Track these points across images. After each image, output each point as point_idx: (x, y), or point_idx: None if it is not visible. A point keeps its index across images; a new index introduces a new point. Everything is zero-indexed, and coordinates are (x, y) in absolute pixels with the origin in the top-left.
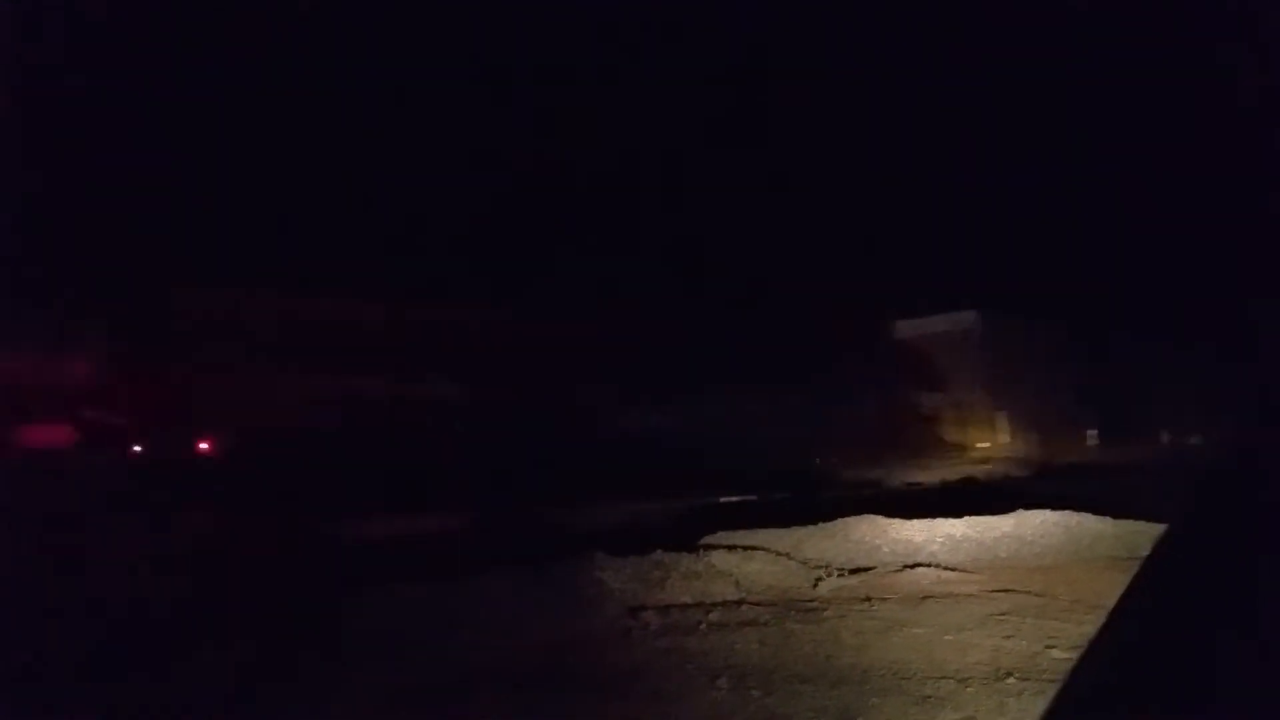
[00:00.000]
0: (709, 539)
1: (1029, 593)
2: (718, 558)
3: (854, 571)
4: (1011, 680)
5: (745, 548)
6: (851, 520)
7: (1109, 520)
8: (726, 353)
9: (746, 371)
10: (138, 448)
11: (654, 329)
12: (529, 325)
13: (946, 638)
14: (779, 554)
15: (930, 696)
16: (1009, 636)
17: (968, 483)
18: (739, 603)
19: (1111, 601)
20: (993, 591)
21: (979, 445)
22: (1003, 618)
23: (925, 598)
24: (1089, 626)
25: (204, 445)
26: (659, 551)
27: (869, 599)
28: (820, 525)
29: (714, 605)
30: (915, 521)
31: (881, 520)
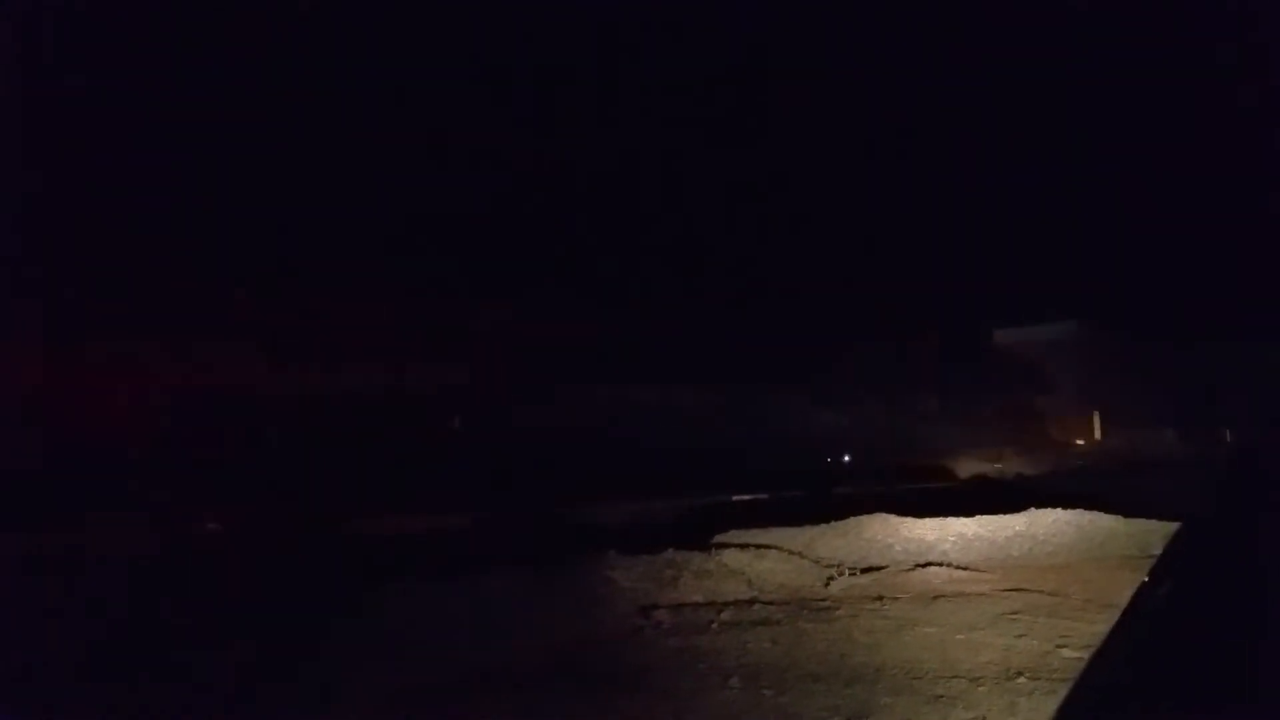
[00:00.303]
0: (721, 537)
1: (1041, 592)
2: (730, 556)
3: (866, 570)
4: (1023, 679)
5: (757, 546)
6: (864, 519)
7: (1121, 519)
8: (862, 363)
9: (882, 377)
10: None
11: (790, 339)
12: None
13: (958, 637)
14: (791, 553)
15: (942, 695)
16: (1021, 636)
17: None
18: (751, 601)
19: (1124, 600)
20: (1004, 590)
21: (1078, 441)
22: (1014, 617)
23: (937, 597)
24: (1101, 625)
25: None
26: (670, 550)
27: (881, 598)
28: (832, 524)
29: (726, 604)
30: (927, 520)
31: (894, 519)
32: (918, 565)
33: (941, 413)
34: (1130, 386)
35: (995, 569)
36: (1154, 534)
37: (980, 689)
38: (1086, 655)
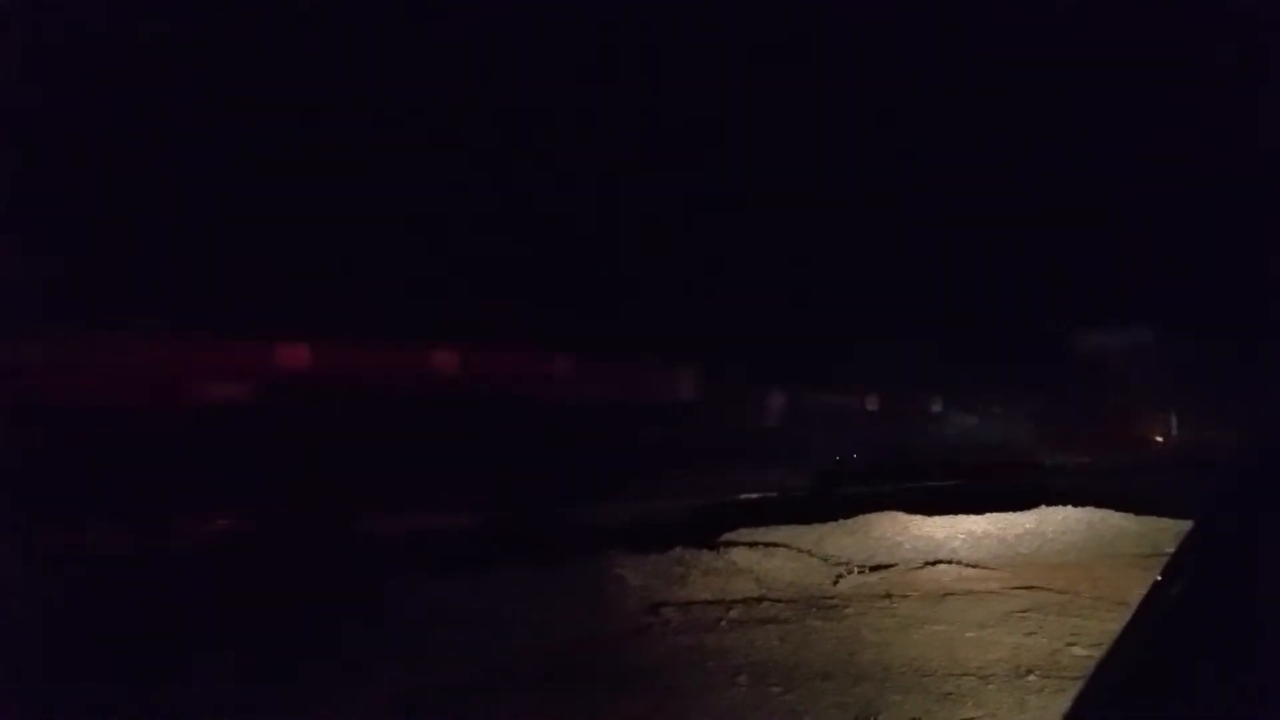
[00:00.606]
0: (729, 535)
1: (1051, 590)
2: (738, 554)
3: (875, 568)
4: (1033, 677)
5: (766, 544)
6: (873, 517)
7: (1132, 517)
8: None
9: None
10: None
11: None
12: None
13: (968, 635)
14: (800, 551)
15: (951, 693)
16: (1030, 633)
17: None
18: (759, 599)
19: (1134, 598)
20: (1014, 588)
21: (1157, 439)
22: (1024, 615)
23: (946, 595)
24: (1111, 624)
25: None
26: (679, 548)
27: (890, 596)
28: (841, 522)
29: (734, 602)
30: (937, 518)
31: (903, 517)
32: (927, 563)
33: (1042, 414)
34: (1204, 388)
35: (1005, 567)
36: (1165, 532)
37: (990, 687)
38: (1096, 653)
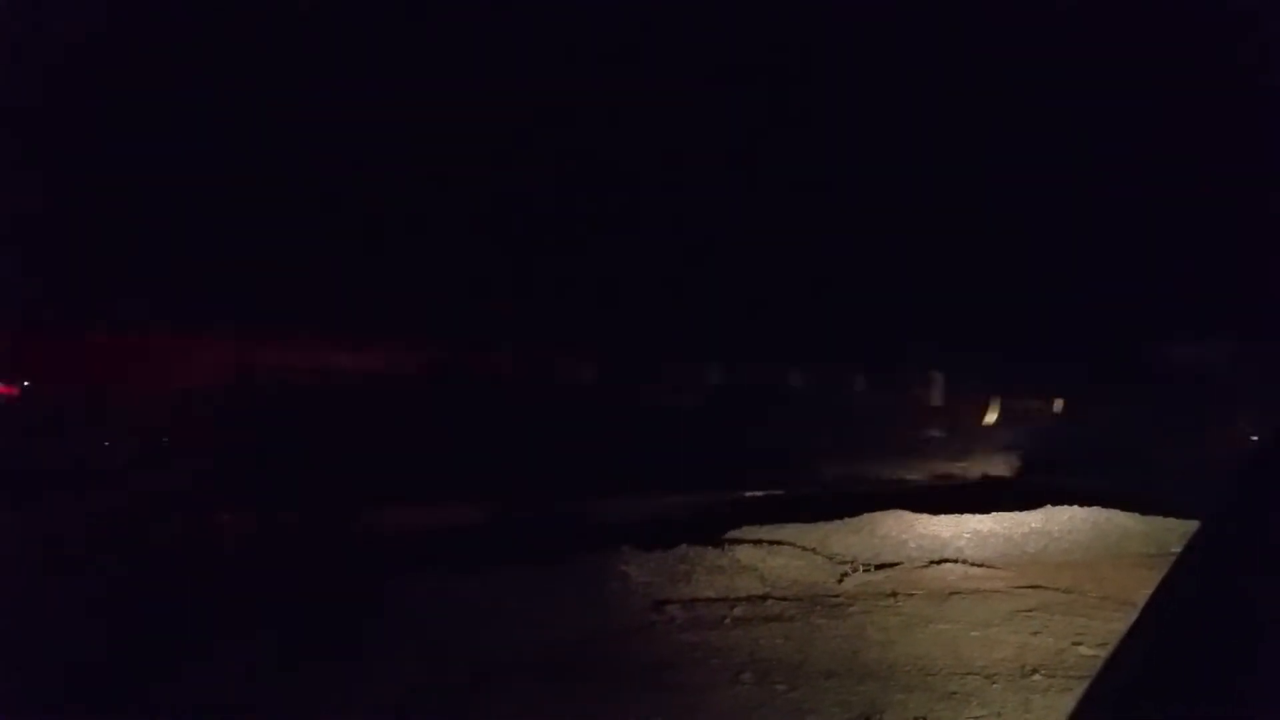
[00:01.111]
0: (734, 533)
1: (1056, 589)
2: (743, 552)
3: (880, 567)
4: (1038, 677)
5: (771, 542)
6: (878, 515)
7: (1138, 516)
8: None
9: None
10: None
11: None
12: None
13: (973, 634)
14: (805, 549)
15: (956, 693)
16: (1036, 633)
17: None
18: (764, 597)
19: (1140, 599)
20: (1020, 588)
21: (1252, 437)
22: (1030, 614)
23: (952, 593)
24: (1117, 624)
25: None
26: (684, 546)
27: (895, 594)
28: (846, 520)
29: (739, 600)
30: (942, 517)
31: (908, 515)
32: (932, 562)
33: (1167, 415)
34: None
35: (1011, 566)
36: (1172, 532)
37: (994, 686)
38: (1102, 653)
